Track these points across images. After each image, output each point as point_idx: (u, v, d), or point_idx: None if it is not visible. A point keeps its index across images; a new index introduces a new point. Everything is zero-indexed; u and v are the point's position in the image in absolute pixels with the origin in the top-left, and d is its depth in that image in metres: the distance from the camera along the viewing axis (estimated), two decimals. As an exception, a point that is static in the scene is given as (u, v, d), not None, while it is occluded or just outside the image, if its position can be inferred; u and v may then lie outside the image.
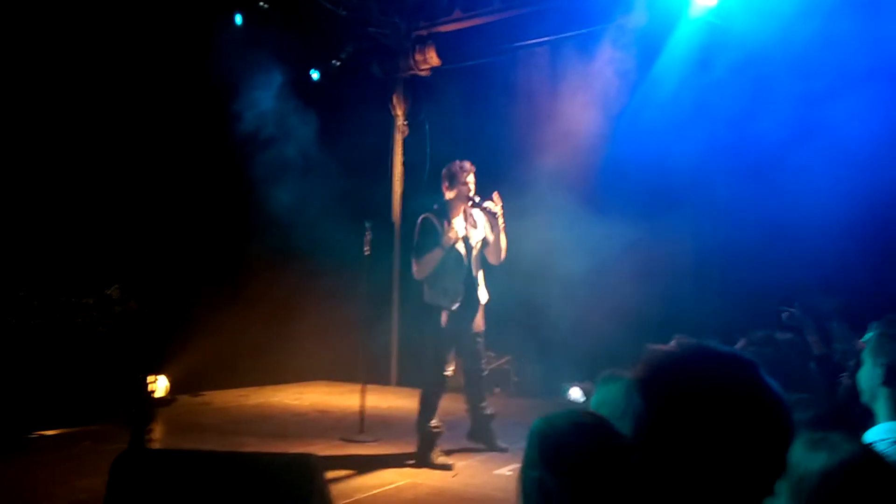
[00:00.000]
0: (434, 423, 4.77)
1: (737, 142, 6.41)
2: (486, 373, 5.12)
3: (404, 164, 8.73)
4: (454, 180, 4.77)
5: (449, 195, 4.80)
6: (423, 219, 4.80)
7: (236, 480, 2.40)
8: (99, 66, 5.87)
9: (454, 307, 4.78)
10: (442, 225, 4.72)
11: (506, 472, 4.43)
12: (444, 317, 4.75)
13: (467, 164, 4.82)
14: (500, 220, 4.78)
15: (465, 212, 4.82)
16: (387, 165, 8.70)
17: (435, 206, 4.83)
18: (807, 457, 1.33)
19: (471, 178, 4.79)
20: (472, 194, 4.76)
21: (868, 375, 2.10)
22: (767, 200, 6.19)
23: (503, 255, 4.90)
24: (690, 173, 6.51)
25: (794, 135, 5.86)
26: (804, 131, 5.79)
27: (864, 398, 2.11)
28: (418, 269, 4.77)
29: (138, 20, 5.95)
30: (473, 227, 4.85)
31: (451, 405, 7.08)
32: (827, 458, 1.33)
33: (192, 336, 6.55)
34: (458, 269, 4.79)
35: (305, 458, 2.63)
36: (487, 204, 4.77)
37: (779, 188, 6.11)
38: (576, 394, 6.76)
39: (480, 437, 5.04)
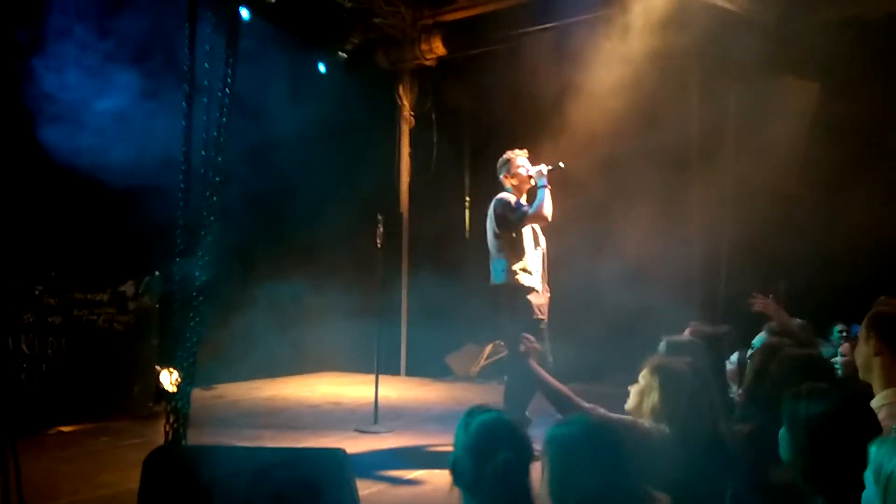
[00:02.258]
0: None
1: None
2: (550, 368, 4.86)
3: (411, 154, 8.72)
4: (510, 168, 4.76)
5: (510, 183, 4.77)
6: (499, 198, 4.71)
7: (269, 474, 2.44)
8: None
9: (539, 288, 4.65)
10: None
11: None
12: (532, 299, 4.59)
13: (517, 150, 4.81)
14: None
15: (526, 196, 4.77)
16: (394, 156, 8.68)
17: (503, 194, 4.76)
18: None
19: (524, 161, 4.76)
20: (530, 174, 4.72)
21: (862, 352, 2.24)
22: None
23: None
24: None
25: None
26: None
27: (861, 374, 2.27)
28: (538, 215, 4.61)
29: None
30: None
31: (465, 395, 7.14)
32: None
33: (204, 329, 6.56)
34: (537, 250, 4.73)
35: (335, 453, 2.67)
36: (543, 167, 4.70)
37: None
38: None
39: None
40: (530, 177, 4.74)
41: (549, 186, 4.69)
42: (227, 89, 2.38)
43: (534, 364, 2.95)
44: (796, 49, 6.59)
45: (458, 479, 1.73)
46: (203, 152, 2.45)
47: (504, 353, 7.52)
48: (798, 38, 6.56)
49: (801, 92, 6.85)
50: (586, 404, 2.58)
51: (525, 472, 1.67)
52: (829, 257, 6.16)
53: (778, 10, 6.52)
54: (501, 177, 4.82)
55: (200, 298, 2.45)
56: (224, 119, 2.41)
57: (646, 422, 2.20)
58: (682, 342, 3.57)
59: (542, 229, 4.83)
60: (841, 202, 6.26)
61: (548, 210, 4.65)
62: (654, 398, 2.21)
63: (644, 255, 6.69)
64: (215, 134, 2.39)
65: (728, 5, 6.38)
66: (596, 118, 7.06)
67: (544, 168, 4.72)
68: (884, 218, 6.12)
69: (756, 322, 5.11)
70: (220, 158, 2.40)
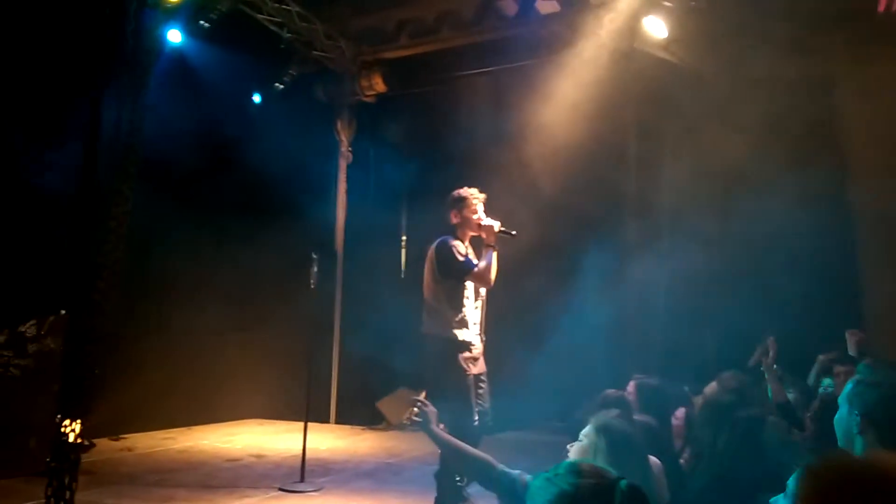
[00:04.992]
0: (458, 478, 4.16)
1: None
2: (489, 420, 4.41)
3: (348, 191, 8.46)
4: (462, 207, 4.39)
5: (455, 221, 4.40)
6: (444, 241, 4.34)
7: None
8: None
9: (475, 342, 4.31)
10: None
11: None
12: (465, 354, 4.24)
13: (476, 191, 4.43)
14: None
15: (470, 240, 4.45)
16: (330, 193, 8.40)
17: (448, 235, 4.39)
18: None
19: (481, 207, 4.39)
20: (481, 224, 4.35)
21: (845, 422, 2.13)
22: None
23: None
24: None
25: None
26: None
27: (841, 443, 2.14)
28: (482, 277, 4.29)
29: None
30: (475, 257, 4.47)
31: (398, 445, 6.79)
32: None
33: (113, 372, 6.02)
34: (477, 300, 4.39)
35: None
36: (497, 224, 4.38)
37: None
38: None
39: None
40: (479, 225, 4.40)
41: (496, 249, 4.36)
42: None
43: (434, 429, 2.71)
44: (731, 102, 6.75)
45: None
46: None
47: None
48: (732, 92, 6.73)
49: (736, 144, 7.01)
50: (513, 472, 2.34)
51: None
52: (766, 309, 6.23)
53: (715, 63, 6.69)
54: (450, 213, 4.45)
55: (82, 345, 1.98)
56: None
57: None
58: (627, 399, 3.40)
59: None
60: (773, 254, 6.38)
61: (492, 275, 4.33)
62: (598, 462, 2.00)
63: (579, 303, 6.60)
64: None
65: (667, 56, 6.49)
66: (532, 162, 7.04)
67: (497, 226, 4.35)
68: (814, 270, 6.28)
69: (697, 371, 5.07)
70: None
